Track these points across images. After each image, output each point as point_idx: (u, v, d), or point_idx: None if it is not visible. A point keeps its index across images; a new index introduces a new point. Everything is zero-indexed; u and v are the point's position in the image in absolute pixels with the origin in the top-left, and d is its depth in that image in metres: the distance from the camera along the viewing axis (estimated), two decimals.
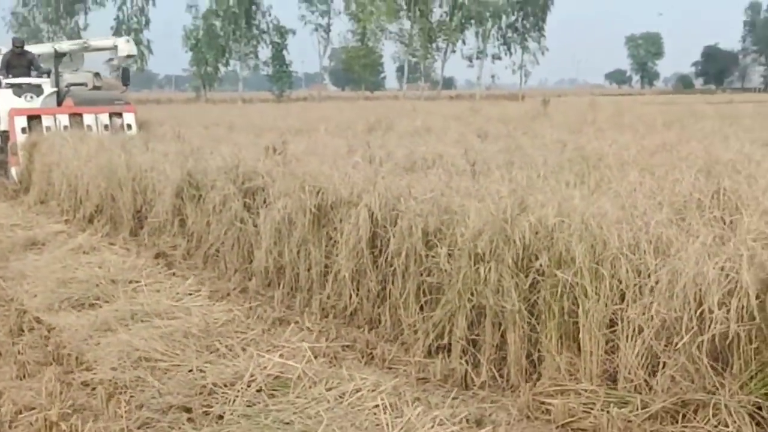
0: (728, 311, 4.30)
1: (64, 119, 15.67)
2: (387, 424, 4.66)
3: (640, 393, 4.95)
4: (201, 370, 5.76)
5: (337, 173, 8.27)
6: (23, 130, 15.30)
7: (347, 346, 6.46)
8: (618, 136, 13.30)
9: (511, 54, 77.08)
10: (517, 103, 41.60)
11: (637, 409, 4.83)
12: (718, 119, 19.20)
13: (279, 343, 6.18)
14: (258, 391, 5.26)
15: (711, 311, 4.36)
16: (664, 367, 4.87)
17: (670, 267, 4.70)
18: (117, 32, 71.34)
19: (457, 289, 6.09)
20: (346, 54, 75.30)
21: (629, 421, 4.78)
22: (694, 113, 22.76)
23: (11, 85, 16.78)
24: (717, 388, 4.45)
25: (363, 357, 6.26)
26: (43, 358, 6.29)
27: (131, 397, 5.38)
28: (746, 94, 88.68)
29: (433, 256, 6.48)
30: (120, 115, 16.50)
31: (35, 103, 16.71)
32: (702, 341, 4.45)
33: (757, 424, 4.22)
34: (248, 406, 5.10)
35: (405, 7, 72.54)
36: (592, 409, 5.02)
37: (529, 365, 5.74)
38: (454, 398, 5.35)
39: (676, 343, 4.63)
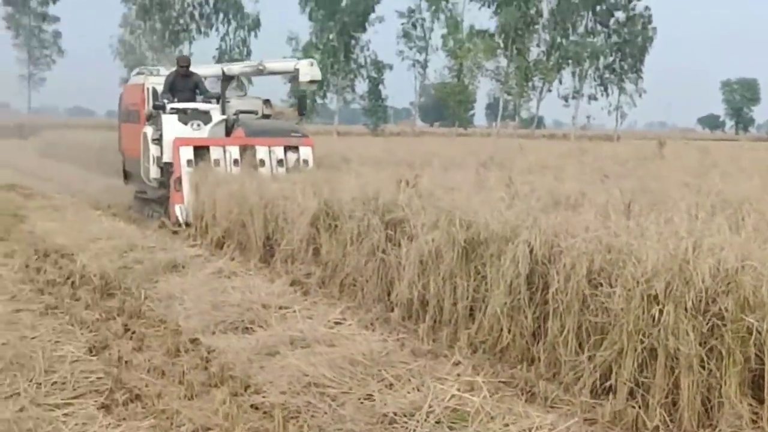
0: None
1: (234, 151, 13.52)
2: None
3: None
4: (371, 398, 5.73)
5: (484, 208, 8.23)
6: (189, 163, 13.18)
7: (504, 383, 6.37)
8: (746, 180, 13.00)
9: (608, 95, 76.39)
10: (618, 144, 41.09)
11: None
12: None
13: (441, 375, 6.09)
14: (437, 422, 5.22)
15: None
16: None
17: None
18: (219, 61, 72.70)
19: (627, 330, 6.00)
20: (441, 90, 75.19)
21: None
22: None
23: (176, 111, 14.31)
24: None
25: (523, 394, 6.17)
26: (207, 380, 6.33)
27: (305, 422, 5.37)
28: None
29: (596, 295, 6.39)
30: (296, 149, 14.19)
31: (202, 132, 14.33)
32: None
33: None
34: None
35: (502, 45, 72.51)
36: None
37: (703, 411, 5.61)
38: None
39: None
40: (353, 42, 71.38)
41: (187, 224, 12.72)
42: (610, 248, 6.52)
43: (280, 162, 13.67)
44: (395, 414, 5.37)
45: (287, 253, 10.68)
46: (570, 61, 74.00)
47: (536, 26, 73.21)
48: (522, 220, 7.50)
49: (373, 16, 73.71)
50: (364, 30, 73.37)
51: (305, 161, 13.95)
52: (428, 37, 73.99)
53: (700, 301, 5.60)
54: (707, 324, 5.56)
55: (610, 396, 6.03)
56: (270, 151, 13.63)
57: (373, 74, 72.74)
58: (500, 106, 77.53)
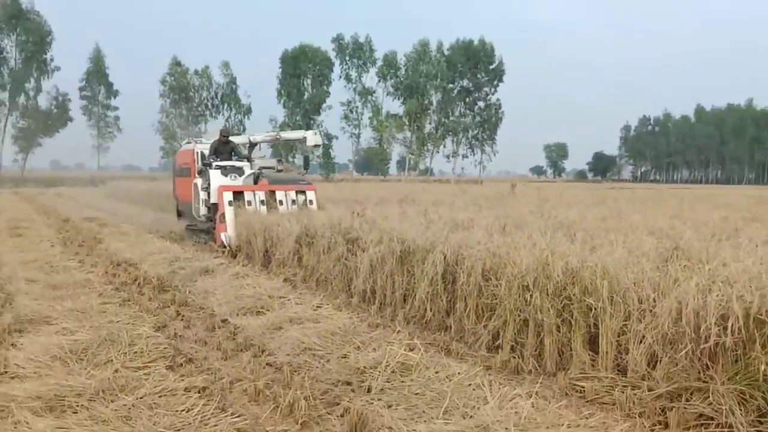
0: (723, 328, 4.18)
1: (261, 195, 13.02)
2: (487, 395, 4.52)
3: (645, 380, 4.80)
4: (347, 357, 5.61)
5: (411, 229, 8.18)
6: (230, 203, 12.74)
7: (430, 344, 6.30)
8: (568, 209, 13.14)
9: (474, 154, 77.58)
10: (483, 186, 41.33)
11: (646, 391, 4.68)
12: (623, 200, 19.01)
13: (390, 340, 5.98)
14: (392, 372, 5.11)
15: (709, 329, 4.23)
16: (660, 362, 4.75)
17: (678, 297, 4.56)
18: (201, 137, 72.07)
19: (509, 308, 5.99)
20: (369, 152, 75.31)
21: (641, 399, 4.62)
22: (607, 195, 22.64)
23: (219, 167, 13.96)
24: (709, 380, 4.30)
25: (443, 351, 6.10)
26: (236, 347, 6.15)
27: (305, 374, 5.24)
28: (621, 183, 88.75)
29: (488, 286, 6.37)
30: (304, 192, 13.59)
31: (238, 181, 13.88)
32: (701, 348, 4.31)
33: (741, 404, 4.06)
34: (387, 381, 4.95)
35: (407, 123, 73.39)
36: (612, 390, 4.87)
37: (559, 359, 5.61)
38: (515, 381, 5.19)
39: (679, 349, 4.49)
40: (312, 121, 71.29)
41: (230, 247, 12.21)
42: (495, 255, 6.50)
43: (293, 202, 13.22)
44: (365, 367, 5.26)
45: (280, 260, 10.50)
46: (450, 133, 75.00)
47: (429, 111, 74.05)
48: (437, 237, 7.46)
49: (325, 105, 74.00)
50: (319, 113, 73.54)
51: (310, 201, 13.43)
52: (360, 118, 74.30)
53: (556, 289, 5.61)
54: (561, 303, 5.57)
55: (499, 351, 5.99)
56: (286, 195, 13.21)
57: (325, 142, 72.51)
58: (406, 162, 78.04)
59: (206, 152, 14.59)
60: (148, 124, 75.89)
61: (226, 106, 72.31)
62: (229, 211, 12.58)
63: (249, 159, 15.12)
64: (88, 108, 70.32)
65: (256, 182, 14.07)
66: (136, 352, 5.61)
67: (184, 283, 9.18)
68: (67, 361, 5.25)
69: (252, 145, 16.41)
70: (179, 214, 16.46)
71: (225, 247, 12.24)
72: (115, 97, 71.65)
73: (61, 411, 4.25)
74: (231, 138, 15.46)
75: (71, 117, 69.53)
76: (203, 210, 13.97)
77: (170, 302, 8.10)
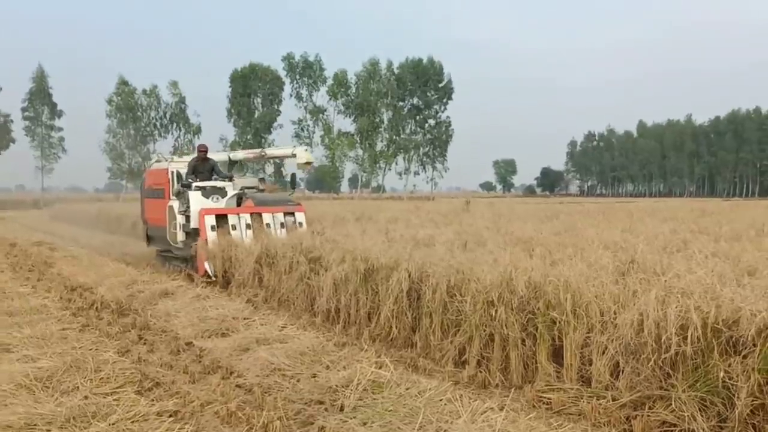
0: (683, 338, 4.36)
1: (246, 218, 11.78)
2: (459, 409, 4.59)
3: (609, 390, 4.96)
4: (317, 376, 5.63)
5: (373, 247, 8.25)
6: (212, 228, 11.50)
7: (397, 361, 6.36)
8: (523, 224, 13.35)
9: (425, 171, 78.20)
10: (435, 202, 41.64)
11: (611, 401, 4.83)
12: (575, 214, 19.39)
13: (358, 358, 6.03)
14: (364, 390, 5.15)
15: (669, 339, 4.41)
16: (623, 372, 4.91)
17: (640, 309, 4.74)
18: (174, 154, 70.99)
19: (474, 323, 6.11)
20: (321, 169, 74.93)
21: (605, 408, 4.77)
22: (558, 209, 23.08)
23: (199, 188, 12.55)
24: (671, 387, 4.48)
25: (410, 368, 6.17)
26: (203, 369, 6.09)
27: (276, 395, 5.23)
28: (569, 198, 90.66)
29: (453, 302, 6.48)
30: (292, 214, 12.32)
31: (220, 203, 12.57)
32: (663, 358, 4.48)
33: (702, 410, 4.24)
34: (359, 399, 4.99)
35: (359, 141, 73.61)
36: (578, 401, 5.02)
37: (525, 372, 5.74)
38: (483, 395, 5.28)
39: (643, 359, 4.66)
40: (263, 140, 70.84)
41: (216, 277, 11.06)
42: (459, 271, 6.61)
43: (281, 225, 11.92)
44: (336, 386, 5.29)
45: (240, 281, 10.42)
46: (402, 150, 75.51)
47: (380, 129, 74.44)
48: (400, 255, 7.56)
49: (276, 123, 73.76)
50: (270, 132, 73.19)
51: (300, 223, 12.18)
52: (311, 136, 74.17)
53: (521, 303, 5.76)
54: (525, 318, 5.71)
55: (466, 366, 6.10)
56: (273, 217, 11.94)
57: (276, 161, 72.09)
58: (359, 179, 78.17)
59: (182, 171, 13.19)
60: (94, 144, 74.30)
61: (175, 125, 71.33)
62: (212, 238, 11.45)
63: (231, 179, 13.58)
64: (31, 129, 68.37)
65: (239, 204, 12.80)
66: (102, 378, 5.52)
67: (144, 306, 9.04)
68: (32, 389, 5.13)
69: (232, 164, 15.12)
70: (149, 240, 14.97)
71: (210, 277, 11.10)
72: (59, 117, 69.90)
73: None
74: (210, 155, 14.09)
75: (13, 138, 67.74)
76: (180, 236, 12.54)
77: (131, 326, 7.97)
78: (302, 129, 74.01)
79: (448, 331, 6.53)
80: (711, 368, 4.20)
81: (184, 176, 12.99)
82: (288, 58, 74.13)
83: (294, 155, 14.05)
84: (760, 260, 6.56)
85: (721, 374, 4.10)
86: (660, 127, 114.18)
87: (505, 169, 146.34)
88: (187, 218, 12.32)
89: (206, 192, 12.53)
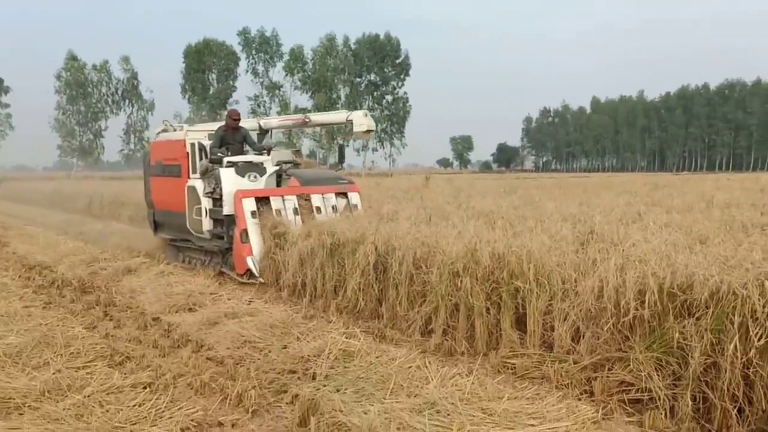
0: (641, 302, 4.59)
1: (293, 201, 9.71)
2: (429, 375, 4.75)
3: (571, 354, 5.18)
4: (288, 347, 5.73)
5: (339, 223, 8.35)
6: (252, 214, 9.33)
7: (364, 332, 6.48)
8: (482, 199, 13.57)
9: (384, 148, 78.26)
10: (394, 179, 41.69)
11: (572, 364, 5.06)
12: (532, 189, 19.78)
13: (328, 330, 6.14)
14: (335, 359, 5.26)
15: (628, 303, 4.64)
16: (583, 336, 5.14)
17: (600, 276, 4.96)
18: (126, 133, 69.58)
19: (440, 293, 6.27)
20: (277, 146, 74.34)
21: (567, 371, 4.99)
22: (516, 184, 23.49)
23: (232, 164, 10.12)
24: (629, 349, 4.71)
25: (377, 338, 6.32)
26: (172, 343, 6.16)
27: (248, 366, 5.33)
28: (525, 173, 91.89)
29: (419, 273, 6.63)
30: (345, 195, 10.32)
31: (259, 183, 10.14)
32: (622, 322, 4.71)
33: (658, 369, 4.47)
34: (331, 368, 5.11)
35: None
36: (541, 365, 5.23)
37: (490, 340, 5.93)
38: (448, 362, 5.45)
39: (602, 323, 4.89)
40: (219, 116, 69.92)
41: (260, 275, 9.06)
42: (425, 244, 6.77)
43: (333, 208, 10.00)
44: (308, 355, 5.40)
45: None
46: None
47: (337, 105, 73.99)
48: (366, 229, 7.67)
49: (231, 99, 72.81)
50: (226, 108, 72.17)
51: (355, 206, 10.24)
52: (268, 112, 73.39)
53: (485, 273, 5.93)
54: (490, 287, 5.89)
55: (432, 335, 6.27)
56: (324, 199, 9.99)
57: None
58: (316, 156, 77.85)
59: (206, 143, 10.65)
60: (43, 121, 72.23)
61: (127, 102, 69.91)
62: (252, 226, 9.31)
63: (269, 151, 11.05)
64: None
65: (279, 183, 10.63)
66: (72, 353, 5.53)
67: (107, 283, 8.98)
68: (2, 364, 5.12)
69: (262, 133, 12.31)
70: (156, 227, 12.38)
71: (253, 276, 9.16)
72: (6, 94, 67.83)
73: (7, 413, 4.20)
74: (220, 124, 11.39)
75: None
76: (207, 224, 10.19)
77: (95, 303, 7.95)
78: (258, 105, 73.30)
79: (415, 302, 6.68)
80: (667, 330, 4.44)
81: (208, 149, 10.51)
82: (244, 33, 73.16)
83: (349, 122, 11.14)
84: (710, 229, 6.88)
85: (676, 335, 4.33)
86: (613, 103, 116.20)
87: (462, 146, 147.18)
88: (215, 201, 10.10)
89: (240, 169, 10.14)
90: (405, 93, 78.28)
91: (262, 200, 9.57)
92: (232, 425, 4.27)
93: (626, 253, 5.35)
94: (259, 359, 5.52)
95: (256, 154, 10.76)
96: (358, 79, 76.74)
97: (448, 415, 3.96)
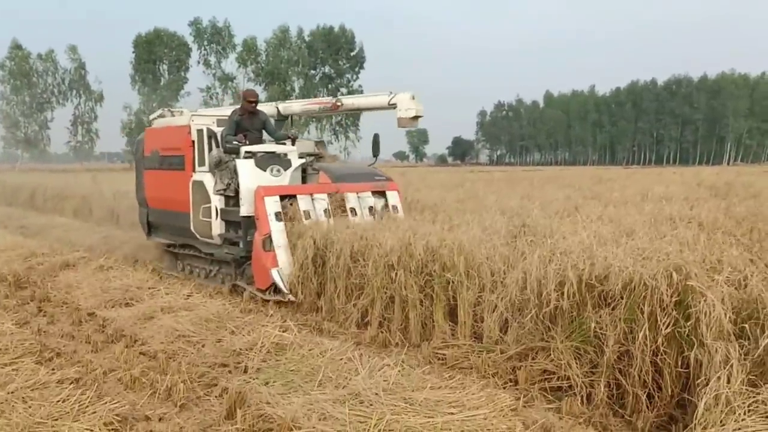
0: (561, 294, 4.75)
1: (324, 200, 8.09)
2: (358, 367, 4.83)
3: (498, 344, 5.34)
4: (222, 341, 5.75)
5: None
6: (277, 216, 7.72)
7: (303, 325, 6.56)
8: (430, 192, 13.73)
9: (338, 140, 78.19)
10: None
11: (499, 354, 5.21)
12: (480, 182, 20.06)
13: (264, 324, 6.16)
14: (267, 352, 5.31)
15: (549, 294, 4.80)
16: (510, 327, 5.30)
17: (524, 268, 5.11)
18: (74, 124, 68.00)
19: (376, 286, 6.37)
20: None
21: (494, 361, 5.15)
22: (466, 178, 23.75)
23: (251, 155, 8.41)
24: (551, 339, 4.88)
25: (315, 331, 6.39)
26: (106, 339, 6.13)
27: (181, 360, 5.35)
28: (479, 167, 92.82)
29: (356, 267, 6.72)
30: (383, 194, 8.70)
31: (283, 178, 8.43)
32: (544, 312, 4.88)
33: (577, 358, 4.65)
34: (263, 361, 5.15)
35: None
36: (470, 355, 5.38)
37: (423, 331, 6.05)
38: (383, 354, 5.53)
39: (526, 314, 5.05)
40: (169, 107, 68.86)
41: (289, 290, 7.42)
42: (362, 237, 6.85)
43: (370, 209, 8.39)
44: (241, 349, 5.44)
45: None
46: (314, 120, 75.00)
47: (291, 98, 73.51)
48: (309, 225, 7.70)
49: (183, 91, 71.75)
50: (178, 100, 71.14)
51: (395, 207, 8.66)
52: (220, 104, 72.52)
53: (419, 266, 6.05)
54: (423, 280, 6.01)
55: (368, 327, 6.38)
56: (359, 198, 8.41)
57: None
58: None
59: (216, 129, 9.01)
60: None
61: (74, 92, 68.27)
62: (277, 230, 7.72)
63: (294, 140, 9.24)
64: None
65: (304, 180, 8.89)
66: (0, 349, 5.45)
67: (44, 278, 8.82)
68: None
69: (280, 119, 10.54)
70: (150, 229, 10.51)
71: (278, 292, 7.53)
72: None
73: None
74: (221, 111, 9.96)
75: None
76: (217, 227, 8.53)
77: (30, 299, 7.84)
78: (210, 97, 72.40)
79: (352, 295, 6.77)
80: (585, 320, 4.61)
81: (219, 137, 8.89)
82: (195, 24, 72.05)
83: (392, 106, 8.99)
84: (639, 223, 7.13)
85: (593, 325, 4.51)
86: (565, 97, 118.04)
87: (418, 139, 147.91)
88: (229, 200, 8.52)
89: (261, 161, 8.40)
90: (360, 86, 78.25)
91: (286, 199, 7.99)
92: (159, 419, 4.28)
93: (553, 245, 5.52)
94: (192, 353, 5.53)
95: (277, 143, 9.06)
96: (313, 72, 76.42)
97: (371, 405, 4.06)
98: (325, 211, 8.02)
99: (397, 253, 6.22)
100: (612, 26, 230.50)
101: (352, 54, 77.56)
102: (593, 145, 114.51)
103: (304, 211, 7.87)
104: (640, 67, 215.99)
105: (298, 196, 8.01)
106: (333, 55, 76.52)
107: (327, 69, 77.21)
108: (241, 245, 8.17)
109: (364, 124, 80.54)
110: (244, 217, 8.04)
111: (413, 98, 8.79)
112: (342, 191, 8.30)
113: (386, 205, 8.64)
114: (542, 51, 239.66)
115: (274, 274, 7.48)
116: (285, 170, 8.50)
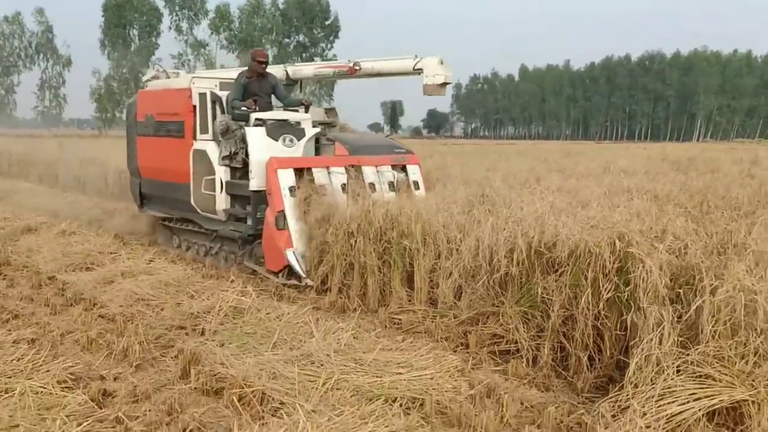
0: (511, 260, 4.89)
1: (341, 174, 7.40)
2: (313, 330, 4.94)
3: (452, 310, 5.48)
4: (181, 305, 5.83)
5: None
6: (291, 191, 7.07)
7: (263, 290, 6.65)
8: None
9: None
10: None
11: (452, 319, 5.36)
12: (451, 154, 20.16)
13: (224, 289, 6.20)
14: (225, 315, 5.39)
15: (500, 261, 4.94)
16: (464, 293, 5.44)
17: (476, 235, 5.24)
18: (41, 89, 66.60)
19: (336, 253, 6.47)
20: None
21: (447, 326, 5.29)
22: (436, 150, 23.81)
23: (262, 122, 7.71)
24: (501, 304, 5.03)
25: (275, 297, 6.48)
26: (65, 302, 6.17)
27: (138, 322, 5.40)
28: (453, 140, 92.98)
29: (318, 234, 6.80)
30: (404, 168, 8.03)
31: (296, 149, 7.70)
32: (494, 278, 5.02)
33: (525, 323, 4.81)
34: (220, 324, 5.24)
35: None
36: (424, 320, 5.52)
37: (381, 297, 6.18)
38: (340, 318, 5.64)
39: (478, 280, 5.19)
40: (141, 74, 67.67)
41: (305, 273, 6.85)
42: (326, 205, 6.92)
43: (390, 185, 7.71)
44: (199, 312, 5.52)
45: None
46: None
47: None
48: None
49: (153, 57, 70.39)
50: (148, 66, 69.83)
51: (415, 183, 8.00)
52: (192, 71, 71.42)
53: (377, 234, 6.16)
54: (382, 247, 6.13)
55: (328, 293, 6.49)
56: (378, 172, 7.73)
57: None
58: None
59: (220, 93, 8.30)
60: None
61: (42, 56, 66.72)
62: (291, 207, 7.07)
63: (307, 107, 8.59)
64: None
65: (318, 151, 8.13)
66: None
67: (4, 242, 8.76)
68: None
69: (290, 84, 9.60)
70: (143, 201, 9.67)
71: (293, 274, 6.98)
72: None
73: None
74: (226, 73, 9.17)
75: None
76: (222, 201, 7.87)
77: None
78: (182, 64, 71.09)
79: (312, 261, 6.86)
80: (533, 286, 4.77)
81: (224, 101, 8.20)
82: None
83: (418, 71, 8.10)
84: (596, 195, 7.30)
85: (540, 291, 4.67)
86: (540, 72, 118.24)
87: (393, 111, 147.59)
88: (235, 171, 7.84)
89: (272, 129, 7.67)
90: (335, 55, 77.39)
91: (301, 172, 7.31)
92: (114, 379, 4.36)
93: (508, 215, 5.65)
94: (150, 316, 5.60)
95: (288, 110, 8.30)
96: (287, 40, 75.44)
97: (321, 365, 4.18)
98: (342, 186, 7.32)
99: (357, 221, 6.31)
100: (590, 1, 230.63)
101: (326, 23, 76.63)
102: (567, 120, 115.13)
103: (320, 185, 7.20)
104: (615, 43, 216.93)
105: (313, 168, 7.33)
106: (308, 23, 75.53)
107: (301, 38, 76.25)
108: (249, 222, 7.57)
109: (339, 94, 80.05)
110: (254, 191, 7.40)
111: (441, 63, 7.94)
112: (362, 164, 7.63)
113: (407, 181, 7.95)
114: (518, 24, 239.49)
115: (289, 255, 6.89)
116: (298, 140, 7.78)
